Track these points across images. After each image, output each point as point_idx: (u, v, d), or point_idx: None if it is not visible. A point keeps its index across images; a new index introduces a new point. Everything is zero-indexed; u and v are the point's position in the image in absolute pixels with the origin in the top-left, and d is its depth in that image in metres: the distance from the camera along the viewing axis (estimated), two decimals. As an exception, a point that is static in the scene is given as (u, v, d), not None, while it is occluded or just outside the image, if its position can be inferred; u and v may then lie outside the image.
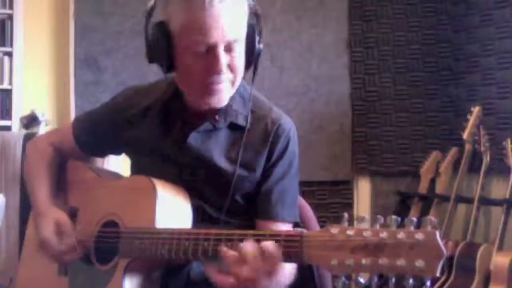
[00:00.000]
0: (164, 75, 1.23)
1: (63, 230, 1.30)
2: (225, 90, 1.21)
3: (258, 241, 0.98)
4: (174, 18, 1.17)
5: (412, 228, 0.84)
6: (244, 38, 1.20)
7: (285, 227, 1.27)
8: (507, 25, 2.99)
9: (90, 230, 1.30)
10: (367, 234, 0.85)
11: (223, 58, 1.16)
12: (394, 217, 0.86)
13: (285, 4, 3.41)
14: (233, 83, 1.22)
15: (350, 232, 0.86)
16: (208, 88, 1.19)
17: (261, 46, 1.24)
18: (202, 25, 1.13)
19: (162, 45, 1.18)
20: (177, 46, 1.18)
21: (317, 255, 0.90)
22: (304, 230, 0.97)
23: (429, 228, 0.83)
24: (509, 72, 2.97)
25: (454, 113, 3.31)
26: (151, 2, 1.21)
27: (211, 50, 1.15)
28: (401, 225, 0.85)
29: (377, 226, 0.86)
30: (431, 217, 0.84)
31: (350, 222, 0.90)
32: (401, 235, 0.83)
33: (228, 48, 1.17)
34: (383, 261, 0.82)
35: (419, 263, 0.80)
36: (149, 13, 1.21)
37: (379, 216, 0.86)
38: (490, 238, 2.96)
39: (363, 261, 0.84)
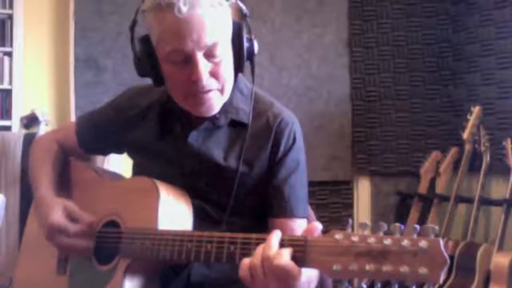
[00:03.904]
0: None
1: (72, 212, 1.27)
2: (213, 99, 1.19)
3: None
4: (152, 31, 1.16)
5: (415, 236, 0.84)
6: (227, 40, 1.18)
7: (300, 222, 1.26)
8: (507, 25, 2.99)
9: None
10: (371, 240, 0.85)
11: (203, 65, 1.13)
12: (397, 224, 0.86)
13: (285, 4, 3.41)
14: (221, 91, 1.19)
15: (354, 238, 0.87)
16: (194, 98, 1.18)
17: (253, 43, 1.22)
18: (175, 33, 1.11)
19: (147, 59, 1.18)
20: (159, 58, 1.17)
21: (319, 260, 0.90)
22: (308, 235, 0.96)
23: (431, 236, 0.83)
24: (509, 72, 2.97)
25: (454, 113, 3.31)
26: (133, 18, 1.20)
27: (189, 59, 1.13)
28: (403, 232, 0.86)
29: (381, 233, 0.86)
30: (434, 226, 0.85)
31: (353, 228, 0.90)
32: (405, 242, 0.83)
33: (208, 54, 1.14)
34: (386, 267, 0.83)
35: (423, 270, 0.81)
36: (132, 28, 1.21)
37: (382, 223, 0.87)
38: (490, 238, 2.96)
39: (367, 267, 0.84)
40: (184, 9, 1.08)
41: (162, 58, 1.16)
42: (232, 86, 1.24)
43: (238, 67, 1.22)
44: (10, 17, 3.29)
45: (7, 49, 3.30)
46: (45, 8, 3.40)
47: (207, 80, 1.15)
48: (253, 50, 1.23)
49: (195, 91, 1.16)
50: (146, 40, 1.18)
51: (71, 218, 1.27)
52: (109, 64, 3.27)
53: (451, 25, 3.33)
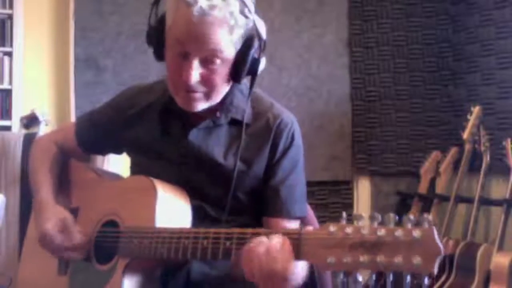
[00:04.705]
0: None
1: (67, 227, 1.29)
2: (197, 101, 1.21)
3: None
4: (168, 14, 1.19)
5: (409, 226, 0.84)
6: (230, 52, 1.18)
7: (295, 223, 1.26)
8: (507, 25, 2.99)
9: (90, 229, 1.30)
10: (365, 231, 0.86)
11: (195, 69, 1.16)
12: (391, 214, 0.86)
13: (284, 4, 3.41)
14: (207, 96, 1.21)
15: (348, 229, 0.87)
16: (182, 91, 1.20)
17: (259, 62, 1.24)
18: (184, 32, 1.14)
19: (157, 35, 1.21)
20: (166, 42, 1.20)
21: (313, 252, 0.90)
22: (303, 228, 0.97)
23: (426, 225, 0.83)
24: (509, 72, 2.97)
25: (454, 113, 3.31)
26: None
27: (187, 57, 1.16)
28: (398, 223, 0.86)
29: (375, 224, 0.86)
30: (428, 216, 0.85)
31: (348, 221, 0.90)
32: (398, 232, 0.83)
33: (206, 60, 1.16)
34: (380, 258, 0.83)
35: (416, 260, 0.81)
36: (154, 3, 1.22)
37: (376, 214, 0.87)
38: (490, 238, 2.96)
39: (361, 258, 0.84)
40: (200, 12, 1.11)
41: (168, 44, 1.19)
42: (221, 94, 1.25)
43: (235, 79, 1.23)
44: (10, 17, 3.29)
45: (7, 49, 3.30)
46: (45, 8, 3.40)
47: (194, 84, 1.17)
48: (255, 70, 1.24)
49: (184, 87, 1.19)
50: (162, 19, 1.20)
51: (65, 230, 1.29)
52: (109, 64, 3.27)
53: (451, 25, 3.33)
